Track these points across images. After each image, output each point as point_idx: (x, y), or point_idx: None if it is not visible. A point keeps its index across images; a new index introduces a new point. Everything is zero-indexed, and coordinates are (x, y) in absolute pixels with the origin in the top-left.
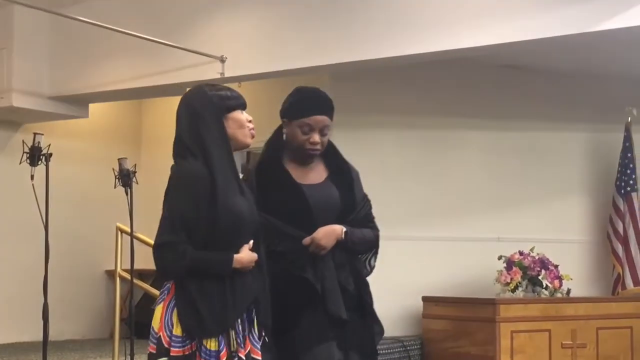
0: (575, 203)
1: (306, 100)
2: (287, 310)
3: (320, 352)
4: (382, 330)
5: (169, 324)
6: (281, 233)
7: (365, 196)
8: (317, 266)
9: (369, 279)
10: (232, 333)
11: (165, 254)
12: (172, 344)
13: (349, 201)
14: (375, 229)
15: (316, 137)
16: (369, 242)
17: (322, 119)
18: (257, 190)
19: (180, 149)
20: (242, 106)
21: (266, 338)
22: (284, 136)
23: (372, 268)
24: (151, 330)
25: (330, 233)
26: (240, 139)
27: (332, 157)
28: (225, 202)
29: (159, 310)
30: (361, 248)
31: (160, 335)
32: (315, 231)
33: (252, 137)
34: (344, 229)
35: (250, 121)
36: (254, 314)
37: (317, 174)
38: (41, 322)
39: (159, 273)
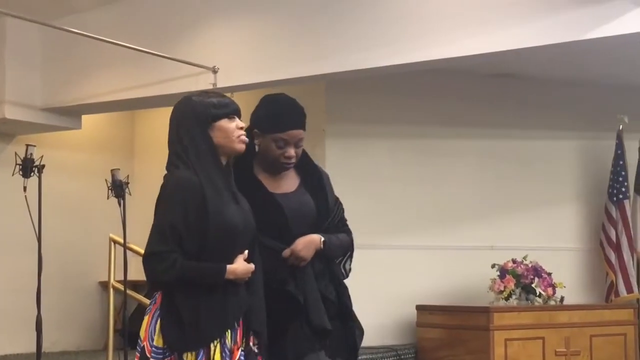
0: (568, 211)
1: (280, 115)
2: (270, 323)
3: None
4: (362, 332)
5: (152, 333)
6: (259, 246)
7: (337, 199)
8: (297, 277)
9: (354, 285)
10: (214, 345)
11: (154, 264)
12: (153, 354)
13: (324, 208)
14: (349, 233)
15: (292, 152)
16: (345, 246)
17: (297, 133)
18: None
19: (173, 157)
20: (231, 114)
21: (255, 349)
22: (256, 147)
23: (347, 272)
24: (138, 339)
25: (309, 244)
26: (228, 146)
27: (302, 162)
28: (215, 213)
29: (146, 319)
30: (339, 254)
31: (144, 345)
32: (294, 243)
33: (244, 142)
34: (322, 239)
35: (241, 128)
36: (239, 324)
37: (289, 182)
38: (34, 334)
39: (148, 283)
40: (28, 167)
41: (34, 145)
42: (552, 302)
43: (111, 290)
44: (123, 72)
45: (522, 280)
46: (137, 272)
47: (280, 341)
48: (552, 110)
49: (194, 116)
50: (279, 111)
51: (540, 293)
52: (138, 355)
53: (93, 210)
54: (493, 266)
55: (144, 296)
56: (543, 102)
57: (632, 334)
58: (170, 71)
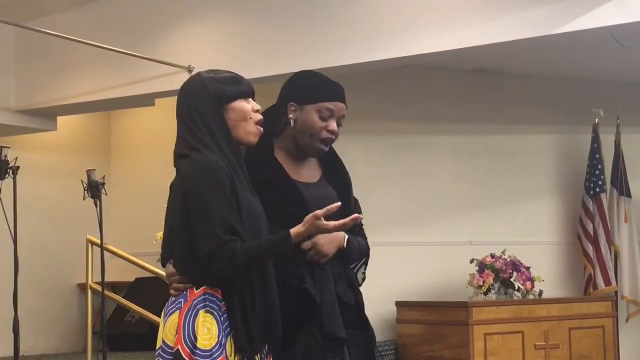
0: (545, 205)
1: (328, 83)
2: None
3: None
4: (374, 334)
5: (191, 334)
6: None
7: (356, 201)
8: (315, 276)
9: None
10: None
11: (214, 266)
12: (197, 358)
13: (347, 207)
14: (365, 238)
15: (334, 125)
16: (363, 251)
17: (343, 106)
18: None
19: (190, 140)
20: (246, 94)
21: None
22: (292, 122)
23: (363, 279)
24: (161, 343)
25: (333, 239)
26: (241, 134)
27: (328, 154)
28: (244, 199)
29: (172, 320)
30: (355, 257)
31: (178, 349)
32: (316, 236)
33: (259, 133)
34: (347, 237)
35: (257, 111)
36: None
37: (311, 172)
38: (12, 336)
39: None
40: (3, 168)
41: (9, 147)
42: (530, 296)
43: (89, 291)
44: (98, 72)
45: (501, 274)
46: (115, 273)
47: (289, 351)
48: (528, 104)
49: (206, 95)
50: (324, 80)
51: (518, 287)
52: None
53: (69, 211)
54: (472, 261)
55: (123, 297)
56: (518, 97)
57: (610, 326)
58: (146, 71)
